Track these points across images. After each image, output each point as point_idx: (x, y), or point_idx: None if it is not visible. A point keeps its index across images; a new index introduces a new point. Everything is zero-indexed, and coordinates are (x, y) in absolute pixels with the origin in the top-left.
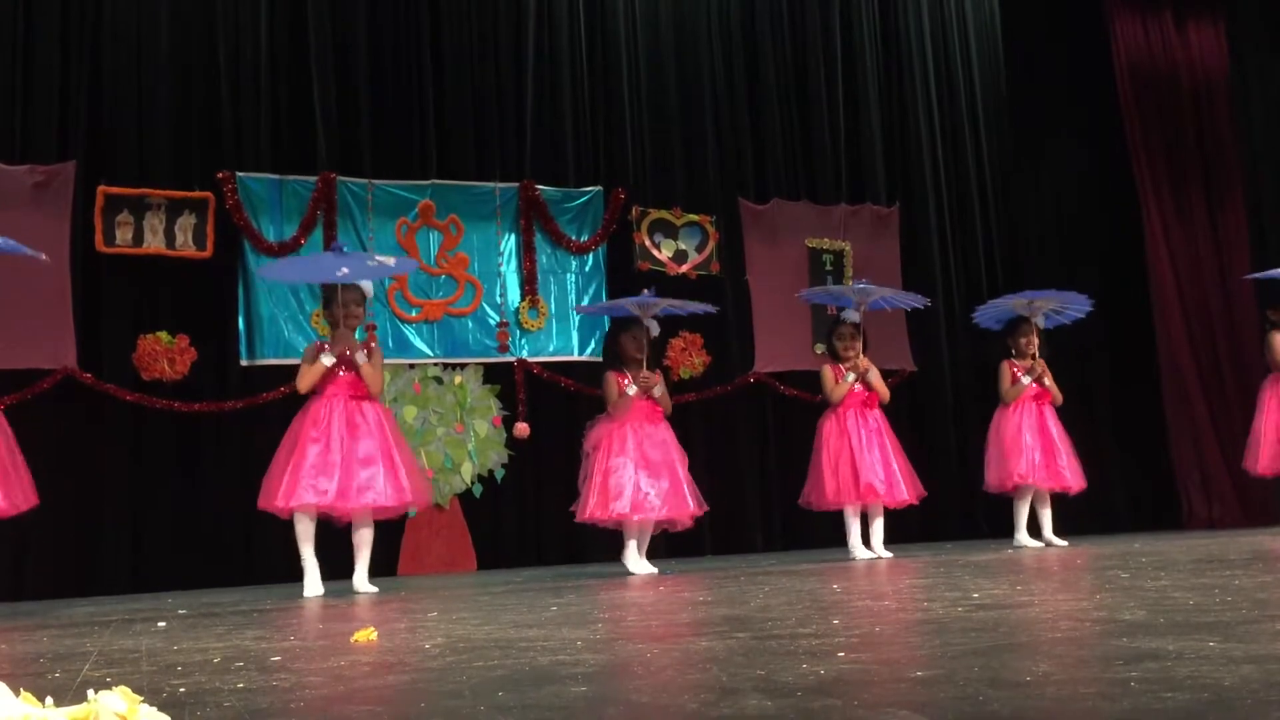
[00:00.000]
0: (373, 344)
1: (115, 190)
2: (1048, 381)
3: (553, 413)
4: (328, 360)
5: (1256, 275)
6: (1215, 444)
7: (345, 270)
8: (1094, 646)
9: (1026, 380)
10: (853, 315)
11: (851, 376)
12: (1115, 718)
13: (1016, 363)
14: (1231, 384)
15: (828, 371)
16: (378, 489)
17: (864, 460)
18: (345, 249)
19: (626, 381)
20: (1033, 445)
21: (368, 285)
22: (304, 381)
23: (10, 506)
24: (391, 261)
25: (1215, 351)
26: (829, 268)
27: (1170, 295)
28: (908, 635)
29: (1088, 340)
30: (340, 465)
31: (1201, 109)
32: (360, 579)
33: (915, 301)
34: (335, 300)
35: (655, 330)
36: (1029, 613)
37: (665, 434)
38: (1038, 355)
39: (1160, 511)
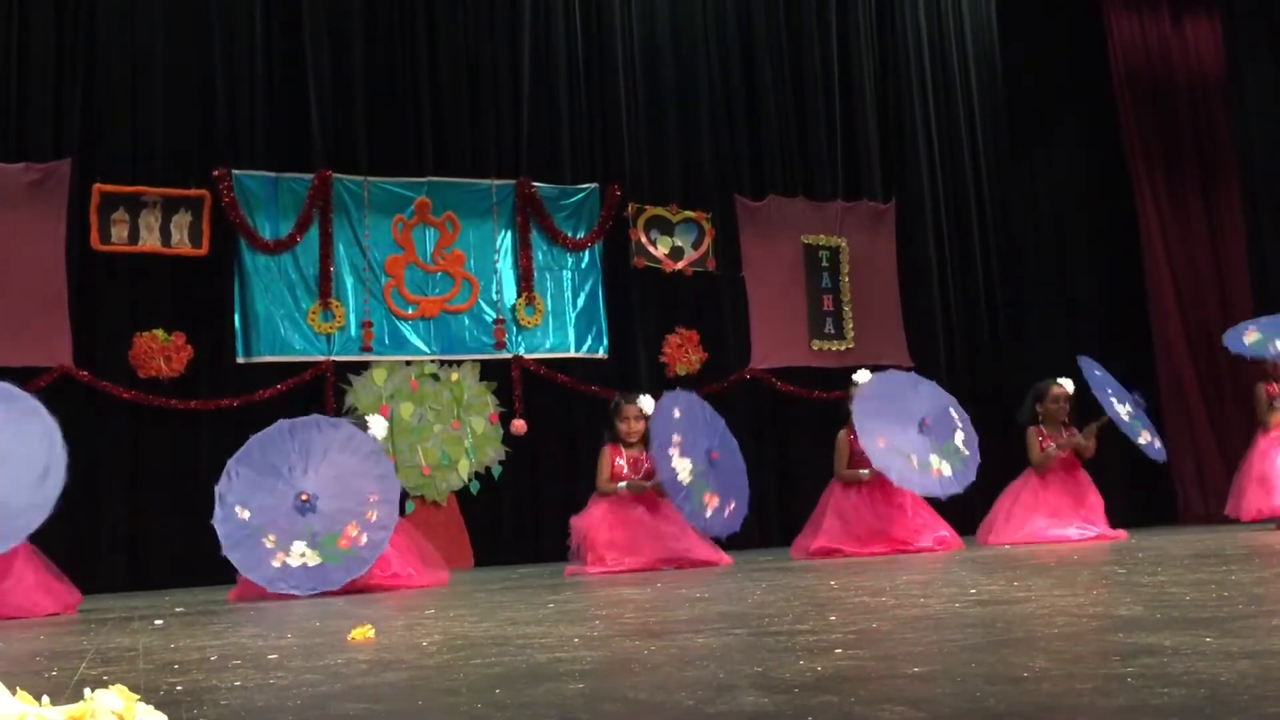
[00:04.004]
0: None
1: (110, 188)
2: (1081, 441)
3: (549, 409)
4: None
5: (1237, 348)
6: (1211, 439)
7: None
8: (1090, 642)
9: (1054, 450)
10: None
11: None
12: (1112, 713)
13: (1044, 430)
14: (1227, 379)
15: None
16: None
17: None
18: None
19: (621, 461)
20: (1057, 510)
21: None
22: None
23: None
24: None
25: (1211, 346)
26: (825, 264)
27: (1166, 290)
28: (904, 631)
29: (1083, 334)
30: None
31: (1197, 105)
32: None
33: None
34: None
35: (648, 407)
36: (1026, 608)
37: (665, 511)
38: (1069, 422)
39: (1157, 507)
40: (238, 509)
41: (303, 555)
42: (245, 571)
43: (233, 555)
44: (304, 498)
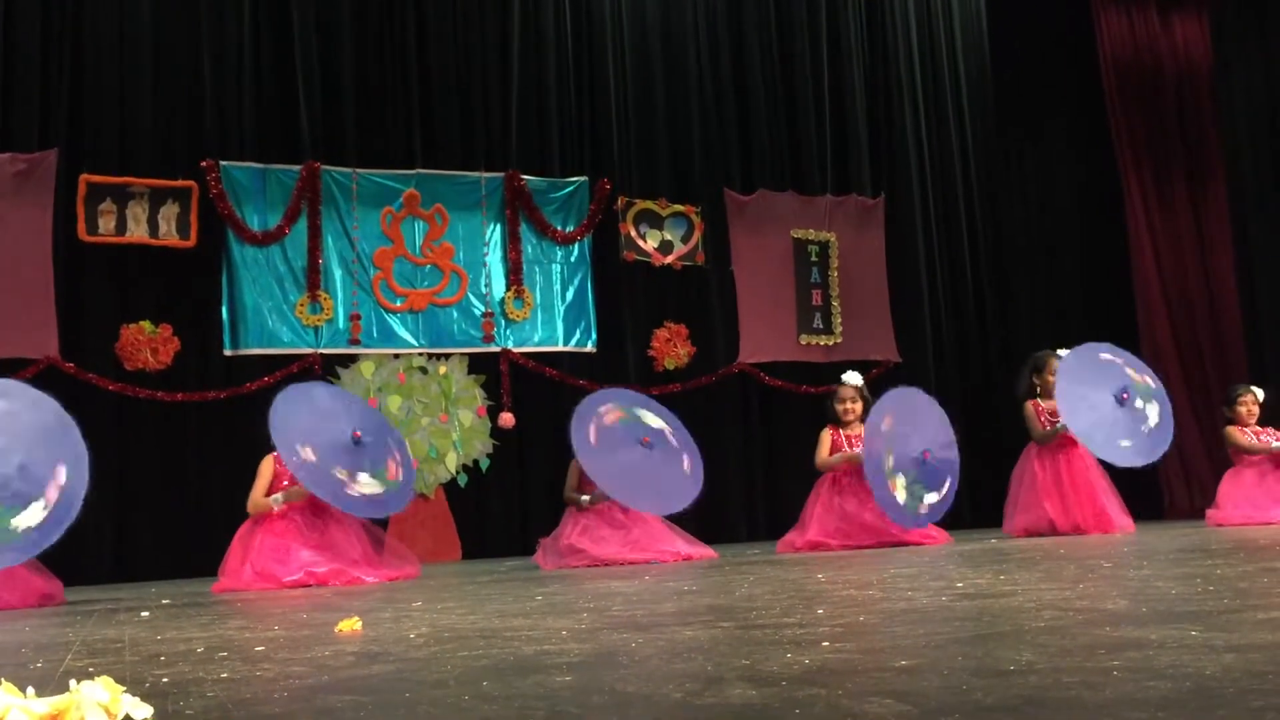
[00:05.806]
0: None
1: (98, 179)
2: None
3: (537, 403)
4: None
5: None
6: (1197, 434)
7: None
8: (1077, 636)
9: (1061, 427)
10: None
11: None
12: (1098, 706)
13: (1043, 404)
14: (1213, 373)
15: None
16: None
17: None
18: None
19: (585, 499)
20: (1069, 492)
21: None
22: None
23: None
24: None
25: (1197, 341)
26: (814, 259)
27: (1153, 284)
28: (892, 625)
29: (1071, 328)
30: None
31: (1185, 100)
32: None
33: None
34: None
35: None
36: (1012, 602)
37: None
38: None
39: (1142, 502)
40: (299, 447)
41: (369, 484)
42: (328, 497)
43: (316, 490)
44: (356, 435)
